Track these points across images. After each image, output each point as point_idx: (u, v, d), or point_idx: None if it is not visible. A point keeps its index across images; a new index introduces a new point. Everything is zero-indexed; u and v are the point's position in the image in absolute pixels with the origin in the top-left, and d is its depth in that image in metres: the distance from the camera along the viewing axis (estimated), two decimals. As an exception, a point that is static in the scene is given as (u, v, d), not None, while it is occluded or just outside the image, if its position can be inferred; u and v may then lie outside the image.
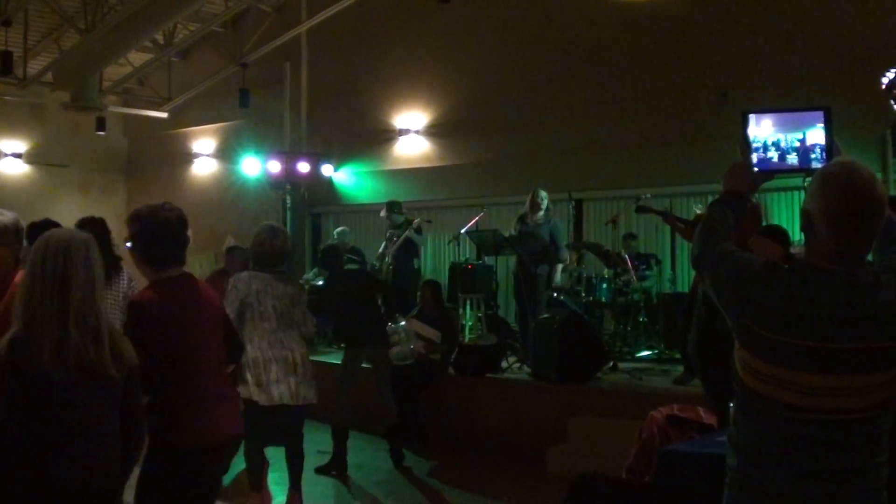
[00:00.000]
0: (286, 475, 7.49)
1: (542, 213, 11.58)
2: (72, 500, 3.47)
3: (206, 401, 4.27)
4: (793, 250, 6.36)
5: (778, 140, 3.11)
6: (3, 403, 3.40)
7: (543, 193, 11.59)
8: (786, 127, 3.12)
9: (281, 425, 7.18)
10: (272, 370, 7.00)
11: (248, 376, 6.95)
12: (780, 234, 6.61)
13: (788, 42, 12.02)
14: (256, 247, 7.21)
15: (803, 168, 3.08)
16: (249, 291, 7.04)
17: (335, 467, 8.92)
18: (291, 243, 7.72)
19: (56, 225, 6.95)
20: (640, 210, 10.38)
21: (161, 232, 4.26)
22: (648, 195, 11.90)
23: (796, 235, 11.36)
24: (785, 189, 11.49)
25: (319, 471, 8.80)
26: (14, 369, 3.41)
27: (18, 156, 19.34)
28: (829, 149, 3.06)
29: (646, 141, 13.26)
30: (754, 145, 3.14)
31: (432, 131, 15.87)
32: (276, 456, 7.67)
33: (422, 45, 15.67)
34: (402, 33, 15.88)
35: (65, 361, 3.43)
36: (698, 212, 11.66)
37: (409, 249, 12.99)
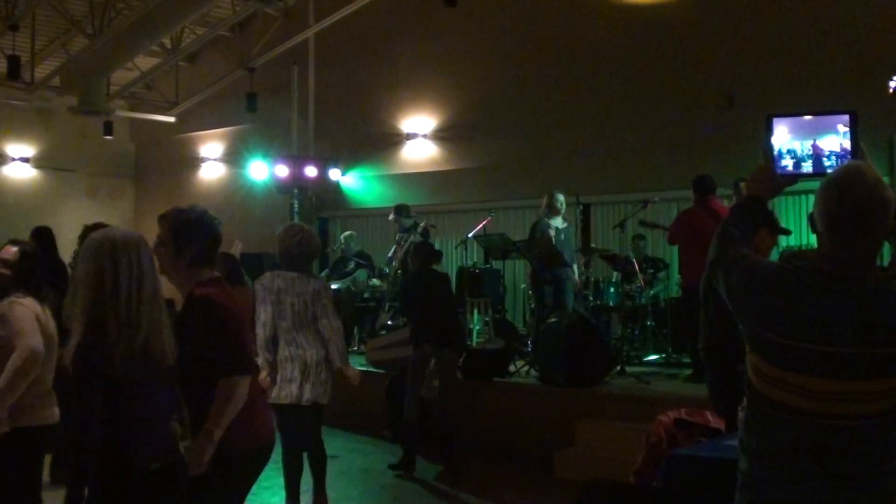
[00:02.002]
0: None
1: (560, 217, 11.60)
2: (156, 479, 3.61)
3: (255, 401, 4.27)
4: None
5: (793, 148, 3.10)
6: (84, 406, 3.55)
7: (562, 197, 11.57)
8: (801, 134, 3.10)
9: (295, 426, 7.16)
10: (287, 368, 7.03)
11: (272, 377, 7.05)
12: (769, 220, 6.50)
13: (795, 46, 12.01)
14: (292, 246, 7.16)
15: (820, 174, 3.05)
16: (273, 289, 7.07)
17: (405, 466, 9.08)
18: (319, 244, 7.71)
19: None
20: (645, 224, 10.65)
21: (201, 229, 4.23)
22: (656, 199, 11.89)
23: (804, 239, 11.39)
24: (794, 193, 11.49)
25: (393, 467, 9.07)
26: (86, 374, 3.50)
27: (26, 160, 19.36)
28: (854, 152, 3.04)
29: (653, 144, 13.26)
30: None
31: (440, 135, 15.87)
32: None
33: (429, 49, 15.68)
34: (409, 37, 15.88)
35: (134, 357, 3.50)
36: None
37: (416, 254, 12.96)
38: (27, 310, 5.14)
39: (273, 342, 7.09)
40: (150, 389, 3.65)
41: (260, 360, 7.05)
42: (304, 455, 7.36)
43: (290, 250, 7.18)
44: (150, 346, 3.58)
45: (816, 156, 3.06)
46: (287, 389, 7.03)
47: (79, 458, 4.06)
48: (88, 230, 8.14)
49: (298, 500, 7.36)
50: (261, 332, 7.04)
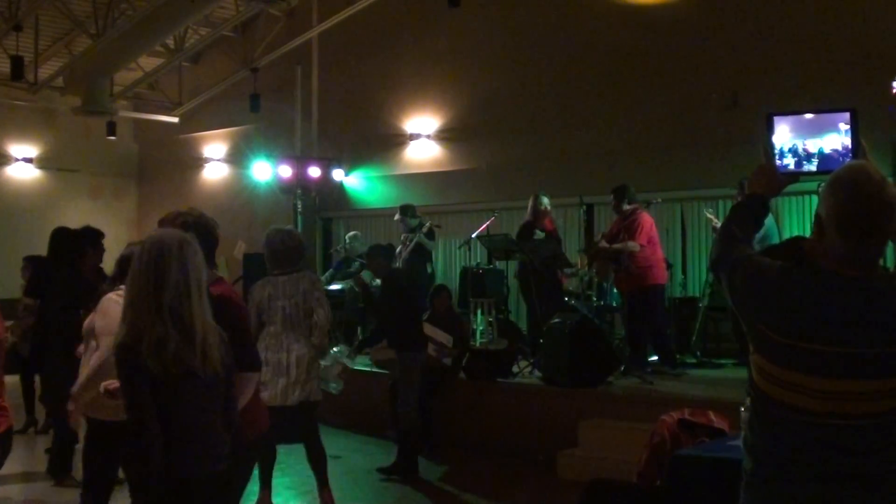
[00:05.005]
0: (295, 479, 7.53)
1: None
2: (192, 486, 3.63)
3: (256, 394, 4.40)
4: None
5: (795, 146, 3.09)
6: (134, 401, 3.55)
7: (546, 199, 11.62)
8: (803, 132, 3.09)
9: (281, 425, 7.24)
10: (265, 373, 7.08)
11: None
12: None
13: (800, 46, 11.98)
14: (276, 245, 7.38)
15: (824, 171, 3.04)
16: (262, 298, 7.27)
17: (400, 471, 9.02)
18: (303, 241, 7.86)
19: None
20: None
21: (206, 235, 4.34)
22: (659, 199, 11.89)
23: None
24: (797, 193, 11.47)
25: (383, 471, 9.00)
26: (128, 370, 3.55)
27: (29, 160, 19.38)
28: (855, 150, 3.03)
29: (657, 145, 13.25)
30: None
31: (443, 136, 15.86)
32: (285, 461, 7.67)
33: (432, 50, 15.67)
34: (412, 38, 15.89)
35: (164, 360, 3.54)
36: (709, 216, 11.69)
37: (420, 254, 12.96)
38: None
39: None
40: (196, 396, 3.65)
41: None
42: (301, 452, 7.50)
43: (275, 249, 7.38)
44: (203, 353, 3.63)
45: (821, 155, 3.06)
46: (264, 393, 7.11)
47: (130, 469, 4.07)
48: (56, 233, 8.24)
49: (270, 487, 7.46)
50: None
